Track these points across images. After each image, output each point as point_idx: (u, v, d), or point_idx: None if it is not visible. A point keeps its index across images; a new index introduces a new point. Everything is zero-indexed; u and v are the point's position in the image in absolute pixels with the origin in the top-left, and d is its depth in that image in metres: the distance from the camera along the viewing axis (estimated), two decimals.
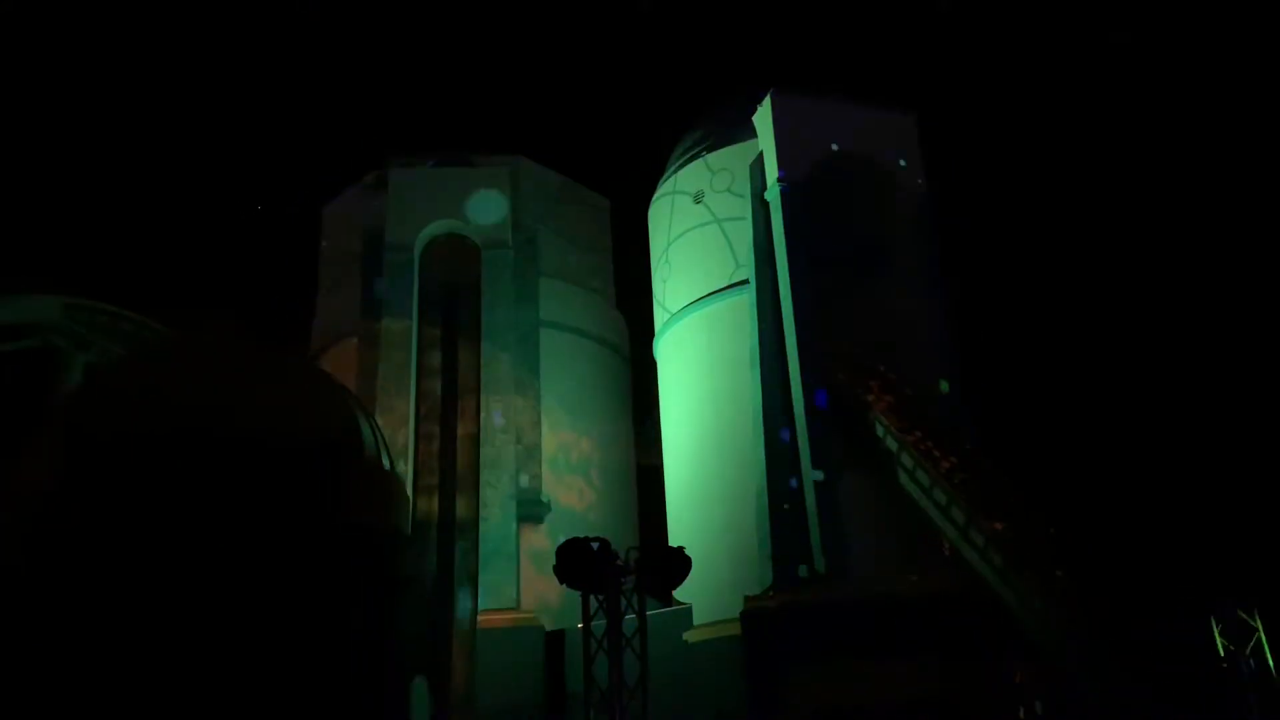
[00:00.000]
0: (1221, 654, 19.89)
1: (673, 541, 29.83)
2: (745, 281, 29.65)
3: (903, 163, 30.16)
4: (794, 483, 26.26)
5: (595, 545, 17.42)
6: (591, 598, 17.75)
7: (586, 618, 17.81)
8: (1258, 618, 19.83)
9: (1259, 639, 19.92)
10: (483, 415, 29.77)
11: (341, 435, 22.12)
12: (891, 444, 25.57)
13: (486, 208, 32.20)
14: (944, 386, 27.42)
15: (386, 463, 23.74)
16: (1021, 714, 21.83)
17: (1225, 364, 33.19)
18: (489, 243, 31.95)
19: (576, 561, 17.37)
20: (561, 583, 17.74)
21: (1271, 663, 19.58)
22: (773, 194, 29.04)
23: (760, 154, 29.96)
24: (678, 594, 26.31)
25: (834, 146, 29.44)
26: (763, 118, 29.99)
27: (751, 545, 26.83)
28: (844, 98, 30.63)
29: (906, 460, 25.17)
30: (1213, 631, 20.05)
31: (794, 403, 27.00)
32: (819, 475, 25.82)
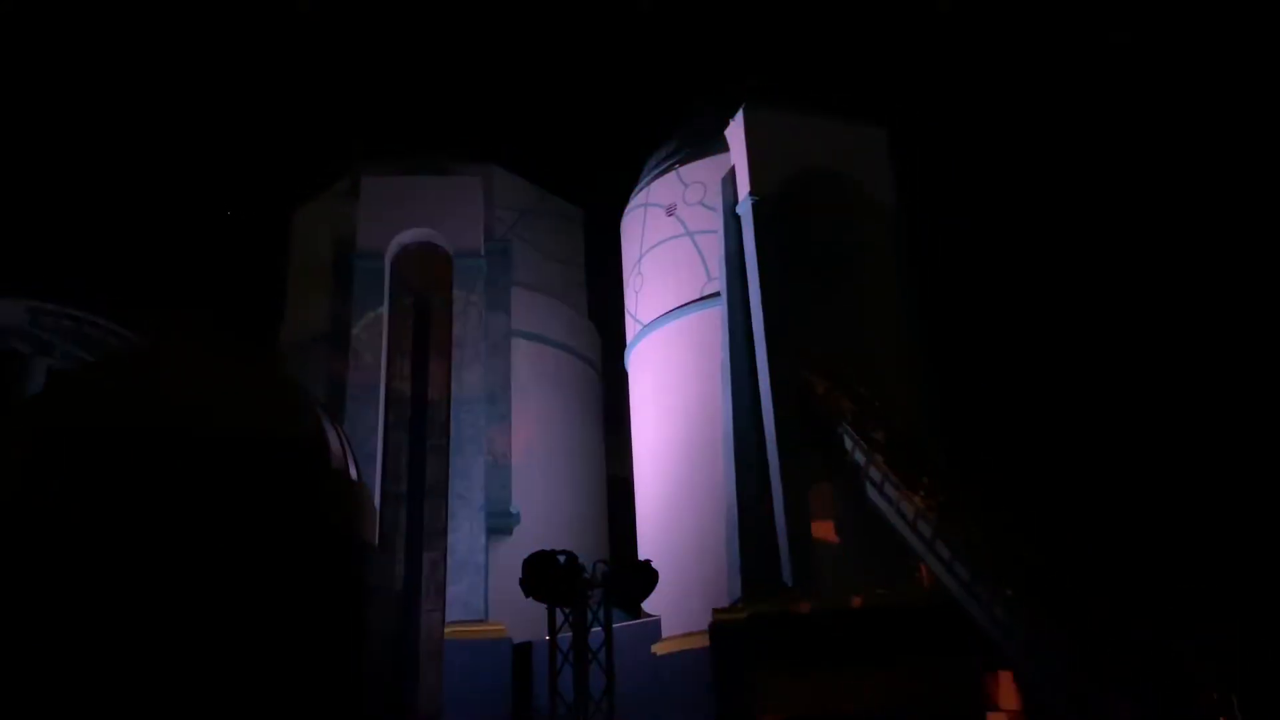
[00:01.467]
0: (1186, 665, 20.11)
1: (642, 553, 29.89)
2: (717, 294, 29.76)
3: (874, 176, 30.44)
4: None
5: (562, 558, 17.37)
6: (558, 610, 17.67)
7: (553, 631, 17.77)
8: (1230, 632, 20.10)
9: (1230, 653, 20.17)
10: (452, 424, 29.58)
11: (307, 442, 21.93)
12: (860, 457, 25.70)
13: (458, 216, 32.11)
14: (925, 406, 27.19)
15: (354, 471, 23.55)
16: None
17: (1202, 369, 33.67)
18: (461, 251, 31.80)
19: (543, 575, 17.33)
20: (527, 596, 17.65)
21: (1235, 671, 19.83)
22: (744, 208, 29.20)
23: (733, 167, 30.12)
24: (647, 606, 26.34)
25: (806, 160, 29.64)
26: (735, 132, 30.15)
27: (721, 557, 26.86)
28: (816, 111, 30.87)
29: (874, 473, 25.29)
30: (1185, 643, 20.26)
31: (763, 415, 27.08)
32: None
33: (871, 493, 25.35)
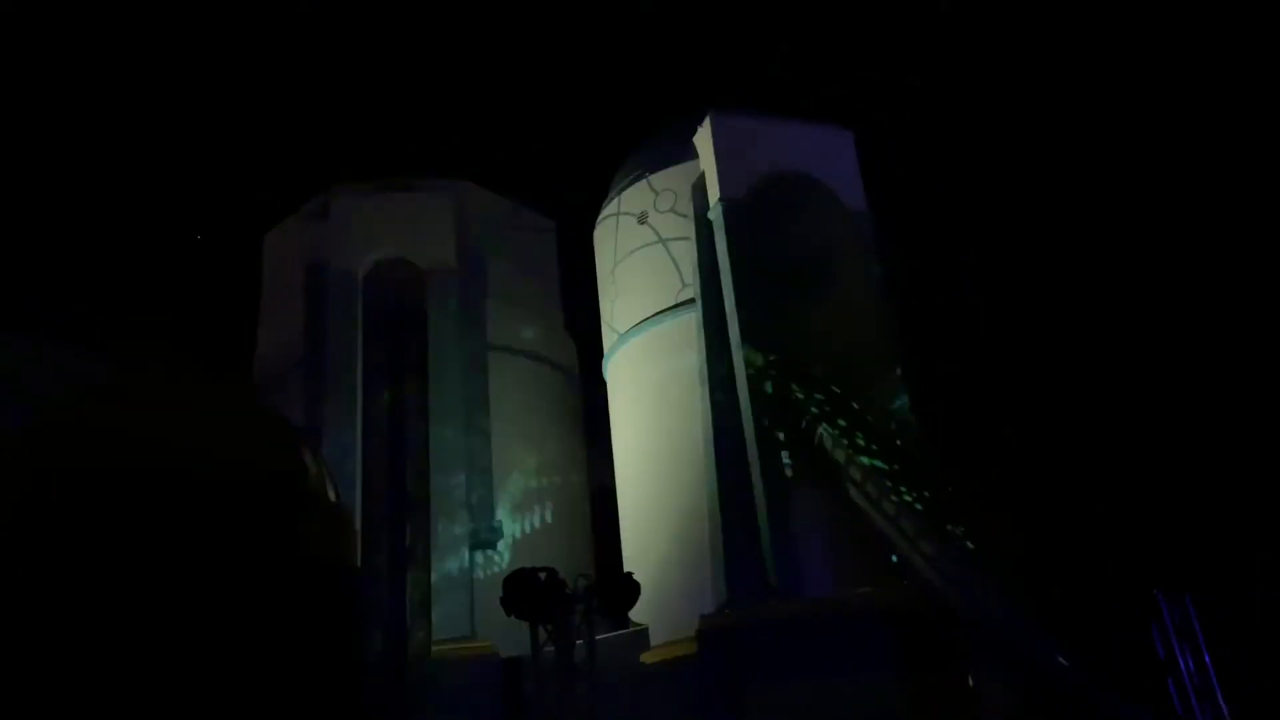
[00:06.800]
0: (1162, 652, 20.35)
1: (627, 562, 29.83)
2: (692, 300, 29.81)
3: (842, 178, 30.64)
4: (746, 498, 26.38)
5: (543, 575, 17.33)
6: (540, 627, 17.63)
7: (535, 648, 17.70)
8: (1194, 615, 20.34)
9: (1197, 634, 20.44)
10: (431, 442, 29.44)
11: (284, 468, 21.80)
12: (839, 456, 25.81)
13: (430, 233, 32.01)
14: (902, 404, 27.61)
15: (332, 494, 23.41)
16: None
17: (1176, 361, 34.06)
18: (434, 268, 31.67)
19: (523, 592, 17.27)
20: (509, 614, 17.61)
21: (1209, 659, 20.08)
22: (715, 213, 29.30)
23: (702, 174, 30.22)
24: (635, 615, 26.33)
25: (774, 164, 29.77)
26: (703, 138, 30.27)
27: (706, 563, 26.86)
28: (783, 116, 31.04)
29: (854, 473, 25.41)
30: (1159, 629, 20.50)
31: (743, 419, 27.14)
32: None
33: (853, 492, 25.46)
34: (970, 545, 23.32)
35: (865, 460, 25.00)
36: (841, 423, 26.43)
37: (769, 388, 27.18)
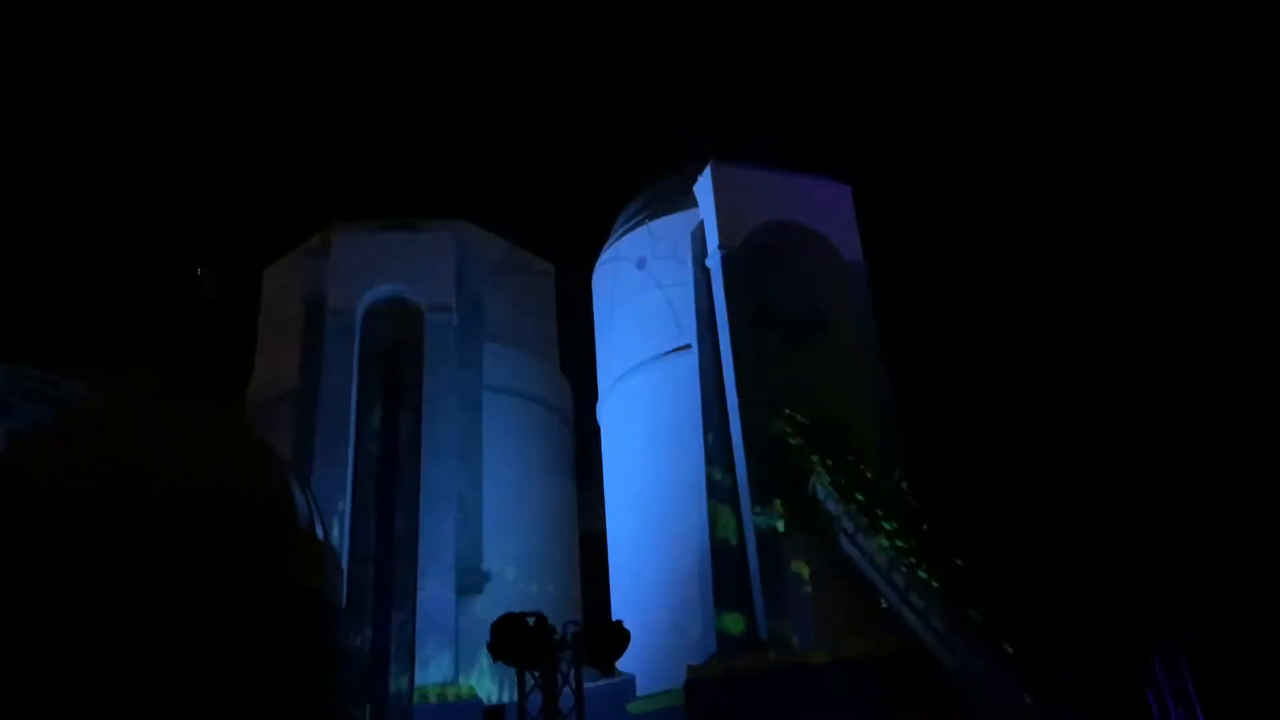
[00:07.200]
0: (1158, 715, 20.09)
1: (616, 609, 29.53)
2: (688, 346, 29.87)
3: (839, 231, 30.92)
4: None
5: (531, 621, 17.12)
6: (527, 674, 17.38)
7: (521, 695, 17.43)
8: (1189, 680, 20.11)
9: (1190, 695, 20.22)
10: (422, 481, 29.25)
11: (273, 502, 21.60)
12: (833, 508, 25.68)
13: (430, 272, 32.12)
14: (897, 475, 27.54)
15: (320, 532, 23.16)
16: None
17: (1170, 418, 34.12)
18: (432, 307, 31.71)
19: (511, 637, 17.04)
20: (496, 660, 17.36)
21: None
22: (714, 261, 29.49)
23: (701, 222, 30.47)
24: (621, 664, 25.98)
25: (773, 215, 30.06)
26: (703, 187, 30.57)
27: (696, 612, 26.60)
28: (783, 168, 31.40)
29: (847, 524, 25.27)
30: (1149, 690, 20.27)
31: (736, 468, 27.03)
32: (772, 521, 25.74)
33: (845, 543, 25.30)
34: (961, 601, 22.95)
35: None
36: (836, 473, 26.32)
37: (764, 437, 27.11)
